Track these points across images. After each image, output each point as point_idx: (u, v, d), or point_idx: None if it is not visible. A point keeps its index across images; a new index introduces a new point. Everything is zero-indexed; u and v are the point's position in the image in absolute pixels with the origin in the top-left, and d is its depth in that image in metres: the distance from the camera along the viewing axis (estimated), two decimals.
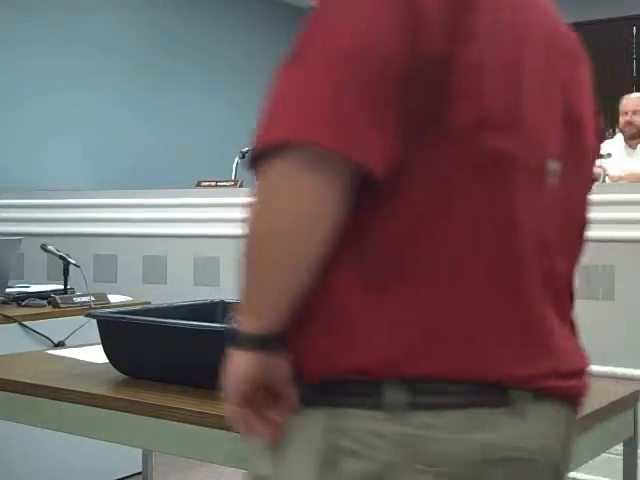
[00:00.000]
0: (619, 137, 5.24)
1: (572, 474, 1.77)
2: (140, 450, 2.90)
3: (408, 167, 1.04)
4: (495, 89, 1.06)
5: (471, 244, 1.06)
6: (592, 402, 1.82)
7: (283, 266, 1.05)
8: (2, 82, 5.73)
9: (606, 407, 1.84)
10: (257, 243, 1.07)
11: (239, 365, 1.09)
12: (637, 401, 1.97)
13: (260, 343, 1.08)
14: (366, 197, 1.05)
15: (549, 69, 1.15)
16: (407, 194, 1.05)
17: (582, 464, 1.82)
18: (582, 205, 1.27)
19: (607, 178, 4.21)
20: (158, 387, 1.94)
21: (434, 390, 1.05)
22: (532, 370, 1.10)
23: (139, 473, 3.11)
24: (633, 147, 5.14)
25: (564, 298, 1.23)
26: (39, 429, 2.16)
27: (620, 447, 1.97)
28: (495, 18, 1.08)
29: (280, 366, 1.09)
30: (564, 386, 1.14)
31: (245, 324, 1.09)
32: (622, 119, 5.18)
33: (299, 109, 1.03)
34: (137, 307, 2.53)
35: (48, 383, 2.00)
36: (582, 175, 1.25)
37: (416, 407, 1.05)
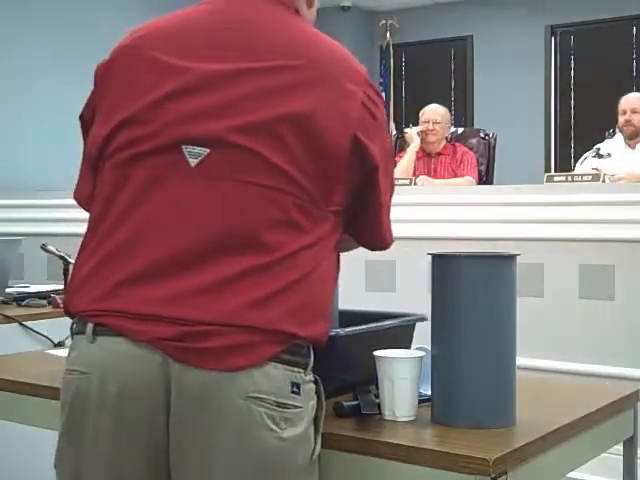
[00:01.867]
0: (619, 137, 5.23)
1: (572, 474, 1.78)
2: None
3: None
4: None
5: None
6: (592, 402, 1.83)
7: None
8: (7, 82, 5.72)
9: (606, 407, 1.84)
10: None
11: None
12: (637, 401, 1.97)
13: None
14: None
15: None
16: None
17: (582, 464, 1.83)
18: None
19: (607, 178, 4.21)
20: None
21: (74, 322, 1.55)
22: (95, 307, 1.48)
23: None
24: (632, 147, 5.14)
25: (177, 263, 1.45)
26: (39, 429, 2.16)
27: (620, 447, 1.97)
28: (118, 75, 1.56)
29: None
30: (127, 326, 1.45)
31: None
32: (621, 118, 5.17)
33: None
34: None
35: (48, 383, 1.99)
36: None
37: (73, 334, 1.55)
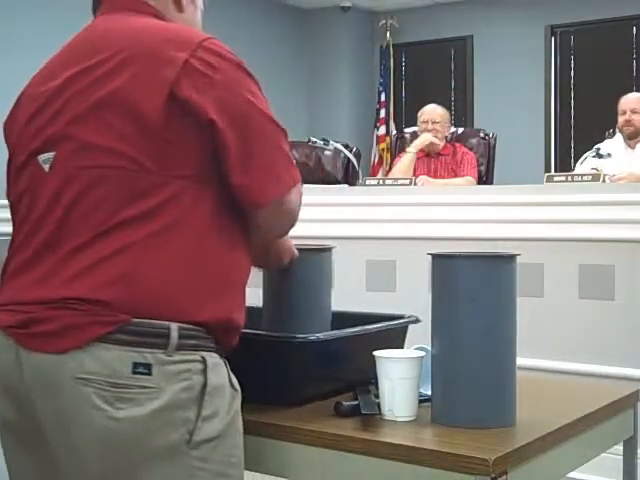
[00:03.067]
0: (619, 137, 5.23)
1: (572, 474, 1.78)
2: None
3: None
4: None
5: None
6: (592, 402, 1.83)
7: None
8: (6, 83, 5.71)
9: (606, 407, 1.84)
10: None
11: None
12: (637, 401, 1.97)
13: None
14: None
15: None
16: None
17: (582, 464, 1.83)
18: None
19: (607, 178, 4.21)
20: None
21: None
22: None
23: None
24: (632, 147, 5.14)
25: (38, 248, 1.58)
26: None
27: (620, 447, 1.97)
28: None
29: None
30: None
31: None
32: (621, 119, 5.17)
33: None
34: None
35: None
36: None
37: None
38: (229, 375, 1.58)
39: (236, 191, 1.58)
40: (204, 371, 1.53)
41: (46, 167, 1.60)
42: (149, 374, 1.47)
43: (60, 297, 1.50)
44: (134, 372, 1.47)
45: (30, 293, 1.55)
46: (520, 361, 1.71)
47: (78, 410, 1.48)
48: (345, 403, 1.71)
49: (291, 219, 1.67)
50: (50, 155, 1.59)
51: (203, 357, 1.53)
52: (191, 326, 1.52)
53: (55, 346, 1.49)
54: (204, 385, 1.52)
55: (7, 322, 1.57)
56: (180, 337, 1.50)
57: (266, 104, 1.62)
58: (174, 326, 1.50)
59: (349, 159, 5.42)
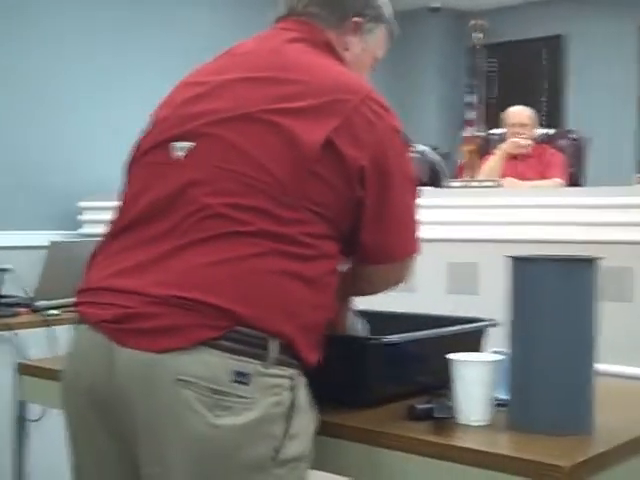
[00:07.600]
0: None
1: None
2: None
3: None
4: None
5: None
6: None
7: None
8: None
9: None
10: None
11: None
12: None
13: None
14: None
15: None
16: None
17: None
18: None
19: None
20: None
21: None
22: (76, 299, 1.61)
23: None
24: None
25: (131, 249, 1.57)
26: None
27: None
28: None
29: None
30: (89, 312, 1.56)
31: None
32: None
33: None
34: None
35: None
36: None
37: None
38: (309, 398, 1.58)
39: (360, 248, 1.67)
40: (293, 388, 1.53)
41: (180, 154, 1.59)
42: (247, 384, 1.46)
43: (168, 295, 1.47)
44: (234, 380, 1.46)
45: (128, 281, 1.52)
46: (601, 367, 1.66)
47: (175, 412, 1.45)
48: (418, 406, 1.70)
49: (394, 283, 1.78)
50: (188, 145, 1.59)
51: (292, 375, 1.53)
52: (287, 343, 1.52)
53: (157, 345, 1.46)
54: (292, 402, 1.52)
55: (100, 316, 1.53)
56: (279, 351, 1.50)
57: (410, 165, 1.72)
58: (275, 340, 1.50)
59: (435, 162, 5.38)
